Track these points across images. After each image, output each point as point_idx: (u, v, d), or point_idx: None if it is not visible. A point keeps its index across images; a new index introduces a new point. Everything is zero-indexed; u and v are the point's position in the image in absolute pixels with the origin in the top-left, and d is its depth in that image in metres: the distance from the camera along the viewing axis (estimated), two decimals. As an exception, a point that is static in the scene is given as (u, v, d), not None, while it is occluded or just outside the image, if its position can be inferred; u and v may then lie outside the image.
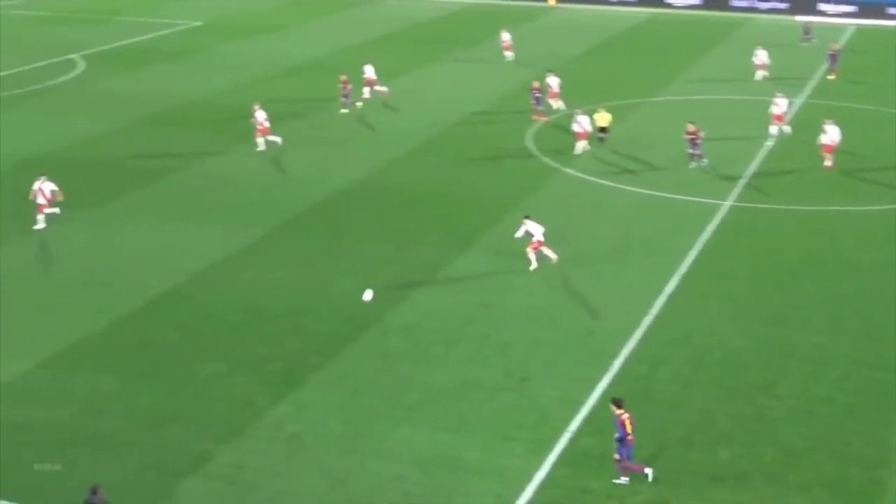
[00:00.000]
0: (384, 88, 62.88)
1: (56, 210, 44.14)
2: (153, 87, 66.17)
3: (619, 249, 41.79)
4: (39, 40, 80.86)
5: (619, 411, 27.24)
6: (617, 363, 33.09)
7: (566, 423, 29.80)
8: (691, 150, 50.89)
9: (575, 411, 30.34)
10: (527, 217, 40.11)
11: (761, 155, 53.22)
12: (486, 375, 32.46)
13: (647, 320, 35.82)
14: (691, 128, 50.90)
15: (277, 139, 53.61)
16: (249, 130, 54.13)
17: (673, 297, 37.61)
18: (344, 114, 60.29)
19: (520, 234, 39.95)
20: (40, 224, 43.60)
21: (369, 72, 62.78)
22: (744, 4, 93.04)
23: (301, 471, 27.71)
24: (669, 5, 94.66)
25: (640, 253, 41.46)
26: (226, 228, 43.77)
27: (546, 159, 52.24)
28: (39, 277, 39.44)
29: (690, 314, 36.35)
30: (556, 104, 59.77)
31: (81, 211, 45.60)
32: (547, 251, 39.78)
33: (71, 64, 72.98)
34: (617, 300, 37.40)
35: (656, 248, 41.80)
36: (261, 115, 53.36)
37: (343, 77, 61.22)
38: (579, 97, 60.93)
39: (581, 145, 52.78)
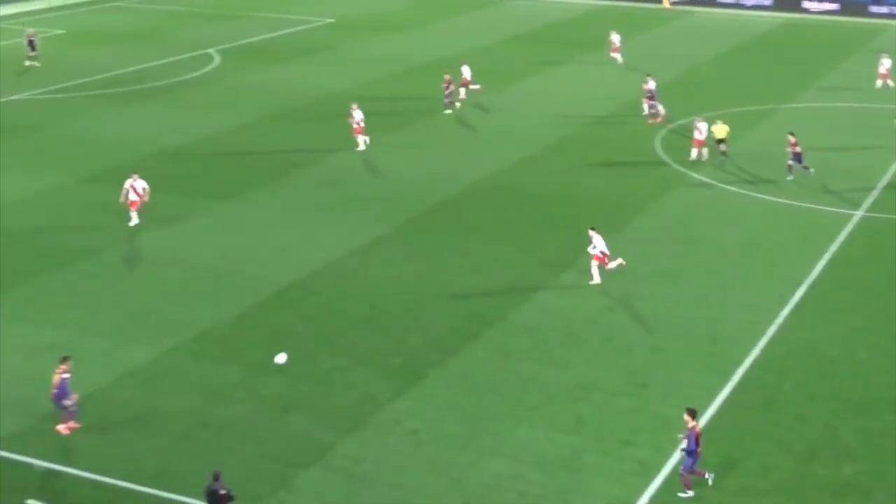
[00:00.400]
0: (478, 87, 63.00)
1: (135, 219, 44.13)
2: (285, 82, 67.12)
3: (745, 257, 41.25)
4: (178, 35, 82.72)
5: (692, 423, 26.94)
6: (739, 372, 32.68)
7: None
8: (791, 161, 49.54)
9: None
10: (592, 229, 38.99)
11: (896, 165, 52.11)
12: (607, 379, 32.35)
13: (771, 329, 35.31)
14: (792, 139, 49.58)
15: (366, 140, 53.73)
16: (377, 127, 54.63)
17: (799, 307, 37.01)
18: (452, 111, 60.57)
19: (592, 249, 38.48)
20: (134, 220, 43.99)
21: (466, 73, 62.88)
22: (884, 11, 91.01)
23: (418, 467, 27.92)
24: (806, 10, 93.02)
25: (767, 261, 40.87)
26: (352, 224, 44.26)
27: (674, 164, 51.78)
28: (170, 266, 40.29)
29: (817, 325, 35.73)
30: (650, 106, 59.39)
31: (213, 202, 46.58)
32: (612, 264, 38.64)
33: (207, 58, 74.50)
34: (741, 308, 36.94)
35: (784, 257, 41.16)
36: (357, 115, 53.34)
37: (447, 76, 61.49)
38: (709, 103, 60.37)
39: (696, 152, 51.99)
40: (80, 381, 31.68)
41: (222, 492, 24.11)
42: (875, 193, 48.11)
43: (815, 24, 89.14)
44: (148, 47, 77.81)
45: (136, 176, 44.55)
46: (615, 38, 74.22)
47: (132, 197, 44.17)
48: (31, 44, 71.91)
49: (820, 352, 33.94)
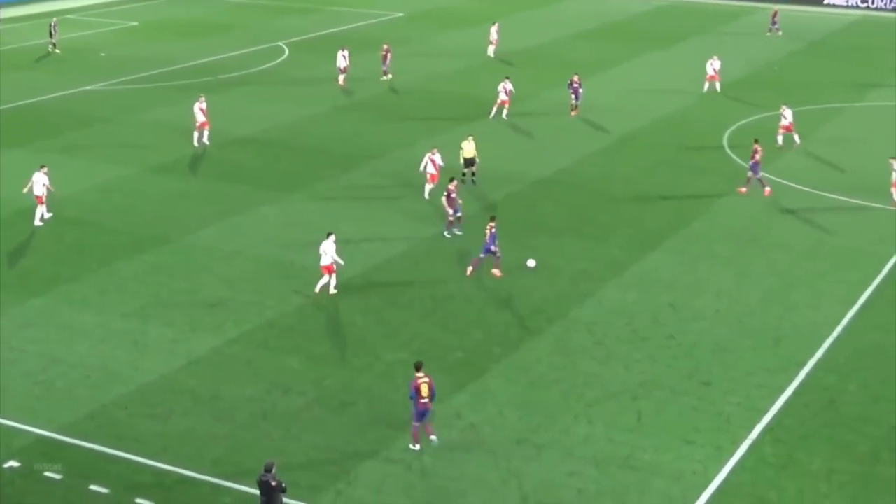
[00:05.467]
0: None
1: (45, 213, 43.40)
2: (354, 75, 67.10)
3: (812, 257, 40.81)
4: (249, 28, 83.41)
5: (417, 374, 27.95)
6: (803, 373, 32.35)
7: (747, 430, 29.30)
8: (750, 174, 46.99)
9: (757, 420, 29.81)
10: (330, 234, 37.53)
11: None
12: (668, 377, 32.17)
13: (836, 331, 34.92)
14: (756, 146, 46.71)
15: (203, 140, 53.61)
16: (444, 120, 54.67)
17: (865, 308, 36.58)
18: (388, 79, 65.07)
19: (326, 260, 37.05)
20: (38, 221, 43.05)
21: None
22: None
23: (476, 461, 27.93)
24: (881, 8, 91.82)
25: (833, 261, 40.39)
26: (416, 217, 44.31)
27: (741, 162, 51.28)
28: (237, 257, 40.63)
29: (883, 326, 35.28)
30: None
31: (281, 193, 46.91)
32: (333, 280, 37.43)
33: (278, 51, 75.02)
34: (807, 308, 36.57)
35: (851, 258, 40.67)
36: (200, 108, 52.96)
37: (385, 46, 66.09)
38: (782, 99, 59.79)
39: (781, 138, 51.10)
40: (145, 369, 32.22)
41: (274, 483, 24.20)
42: (947, 193, 47.36)
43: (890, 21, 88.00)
44: (219, 40, 78.54)
45: (45, 168, 43.41)
46: (493, 30, 74.33)
47: (37, 192, 42.86)
48: (51, 32, 73.47)
49: (885, 353, 33.51)
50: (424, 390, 27.85)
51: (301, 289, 37.76)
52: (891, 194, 45.64)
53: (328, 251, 37.14)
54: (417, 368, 28.23)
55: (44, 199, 43.07)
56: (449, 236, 42.35)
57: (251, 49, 75.41)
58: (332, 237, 37.35)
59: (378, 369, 32.50)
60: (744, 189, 46.91)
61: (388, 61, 66.29)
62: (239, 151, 52.94)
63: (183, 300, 36.93)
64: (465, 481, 27.10)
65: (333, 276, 37.34)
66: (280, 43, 77.34)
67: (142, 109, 60.05)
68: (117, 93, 63.74)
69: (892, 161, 46.07)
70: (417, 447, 28.20)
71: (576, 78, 59.38)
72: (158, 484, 26.93)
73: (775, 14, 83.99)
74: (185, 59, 71.93)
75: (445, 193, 41.93)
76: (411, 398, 28.09)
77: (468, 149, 47.76)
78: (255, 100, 62.15)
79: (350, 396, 30.95)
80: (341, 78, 65.04)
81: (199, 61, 71.44)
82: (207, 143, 53.42)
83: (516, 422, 29.67)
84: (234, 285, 38.15)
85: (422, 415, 28.05)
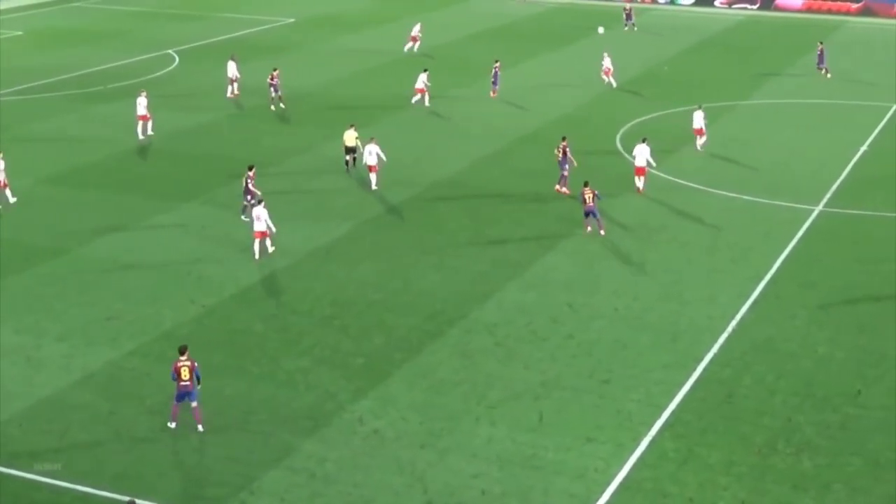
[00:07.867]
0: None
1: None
2: (246, 82, 66.55)
3: (706, 253, 41.46)
4: (138, 35, 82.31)
5: (181, 357, 29.20)
6: (700, 367, 32.84)
7: (648, 426, 29.65)
8: (562, 163, 47.47)
9: (657, 415, 30.18)
10: (261, 200, 40.90)
11: (855, 160, 52.44)
12: (569, 376, 32.43)
13: (731, 325, 35.51)
14: (563, 144, 47.64)
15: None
16: (341, 125, 54.44)
17: (758, 302, 37.24)
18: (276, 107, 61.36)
19: (258, 223, 40.30)
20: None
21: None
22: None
23: (380, 466, 27.89)
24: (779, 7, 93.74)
25: (727, 257, 41.07)
26: (315, 222, 44.16)
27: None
28: (132, 268, 40.07)
29: (776, 320, 35.94)
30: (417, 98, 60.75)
31: (175, 202, 46.37)
32: (268, 243, 40.86)
33: (168, 59, 74.14)
34: (702, 303, 37.12)
35: (743, 253, 41.40)
36: (142, 102, 55.50)
37: (275, 72, 61.56)
38: (674, 99, 60.73)
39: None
40: (39, 384, 31.60)
41: None
42: (833, 188, 48.47)
43: (778, 21, 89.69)
44: (107, 48, 77.40)
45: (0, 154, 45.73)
46: (416, 28, 76.68)
47: None
48: None
49: (779, 347, 34.16)
50: (185, 373, 28.99)
51: (198, 298, 37.37)
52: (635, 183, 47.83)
53: (261, 216, 40.00)
54: (181, 352, 29.32)
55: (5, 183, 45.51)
56: (246, 220, 43.46)
57: (140, 57, 74.43)
58: (264, 203, 40.42)
59: (279, 377, 32.27)
60: (561, 188, 47.33)
61: (279, 88, 61.20)
62: (133, 160, 52.24)
63: (77, 313, 36.31)
64: (369, 487, 27.03)
65: (268, 238, 40.50)
66: (170, 51, 76.47)
67: (30, 120, 58.95)
68: (3, 104, 62.43)
69: (642, 144, 47.76)
70: (173, 425, 29.30)
71: (497, 64, 63.65)
72: (56, 502, 26.42)
73: (629, 10, 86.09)
74: (72, 68, 70.77)
75: (244, 180, 43.94)
76: (173, 379, 29.21)
77: (349, 137, 49.68)
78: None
79: (251, 405, 30.68)
80: (235, 87, 63.81)
81: (87, 70, 70.33)
82: (152, 133, 55.53)
83: (419, 426, 29.67)
84: (130, 297, 37.61)
85: (181, 396, 29.15)
